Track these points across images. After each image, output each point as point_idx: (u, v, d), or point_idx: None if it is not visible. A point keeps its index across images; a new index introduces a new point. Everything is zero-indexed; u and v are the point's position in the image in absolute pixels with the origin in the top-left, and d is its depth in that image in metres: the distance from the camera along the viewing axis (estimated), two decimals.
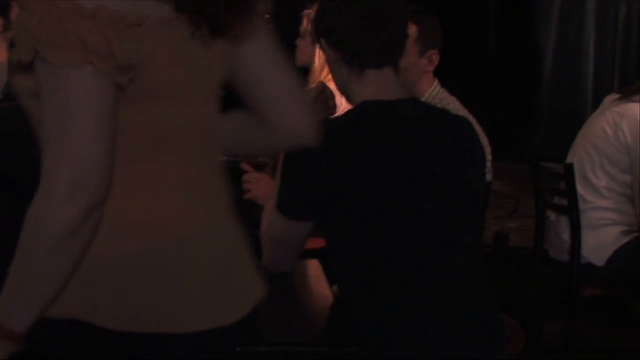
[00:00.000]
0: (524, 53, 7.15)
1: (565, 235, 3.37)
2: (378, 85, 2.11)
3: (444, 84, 3.18)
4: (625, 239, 3.33)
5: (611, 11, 7.01)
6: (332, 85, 3.35)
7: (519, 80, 7.17)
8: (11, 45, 1.47)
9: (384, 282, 2.02)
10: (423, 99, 3.12)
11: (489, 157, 3.10)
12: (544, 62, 7.13)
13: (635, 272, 3.27)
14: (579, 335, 3.41)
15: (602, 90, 7.08)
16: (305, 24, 3.61)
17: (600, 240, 3.33)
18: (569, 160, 3.46)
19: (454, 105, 3.13)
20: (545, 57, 7.11)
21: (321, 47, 2.17)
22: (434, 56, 3.09)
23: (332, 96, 3.49)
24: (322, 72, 3.49)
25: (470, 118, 3.08)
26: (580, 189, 3.34)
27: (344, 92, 2.18)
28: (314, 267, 2.67)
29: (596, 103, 7.02)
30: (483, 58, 6.98)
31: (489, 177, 3.08)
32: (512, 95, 7.20)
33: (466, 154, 2.13)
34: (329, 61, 2.16)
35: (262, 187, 2.54)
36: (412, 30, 2.96)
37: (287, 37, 2.31)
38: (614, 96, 3.47)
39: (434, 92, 3.14)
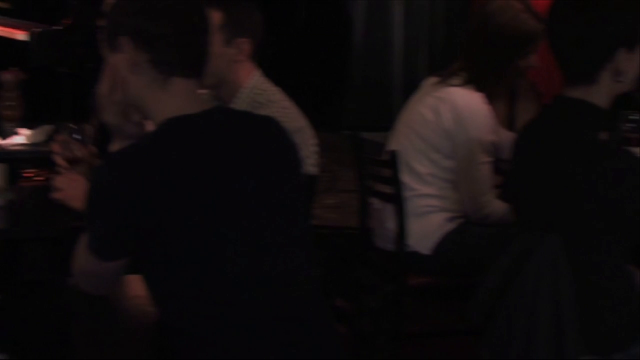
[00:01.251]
0: (334, 23, 7.09)
1: (390, 223, 3.30)
2: (184, 95, 1.98)
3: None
4: (450, 226, 3.29)
5: None
6: None
7: (330, 50, 7.11)
8: None
9: (206, 304, 1.91)
10: (244, 91, 2.96)
11: (313, 148, 2.98)
12: (354, 32, 7.09)
13: (461, 258, 3.24)
14: (407, 322, 3.38)
15: (411, 59, 7.12)
16: None
17: (425, 227, 3.28)
18: (391, 146, 3.39)
19: (277, 97, 2.99)
20: (355, 26, 7.07)
21: (115, 47, 1.98)
22: (244, 45, 2.93)
23: None
24: None
25: (291, 110, 2.97)
26: (404, 176, 3.28)
27: (139, 101, 2.00)
28: (135, 284, 2.47)
29: (406, 71, 7.11)
30: (292, 30, 6.86)
31: (314, 170, 2.97)
32: (323, 66, 7.14)
33: (278, 157, 2.03)
34: (126, 64, 1.97)
35: (74, 187, 2.29)
36: (217, 17, 2.80)
37: None
38: (432, 79, 3.41)
39: (254, 83, 2.98)
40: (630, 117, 3.36)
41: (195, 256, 1.89)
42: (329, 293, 2.41)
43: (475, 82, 3.29)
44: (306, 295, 2.02)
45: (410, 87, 7.00)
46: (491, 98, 3.33)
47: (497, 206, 3.26)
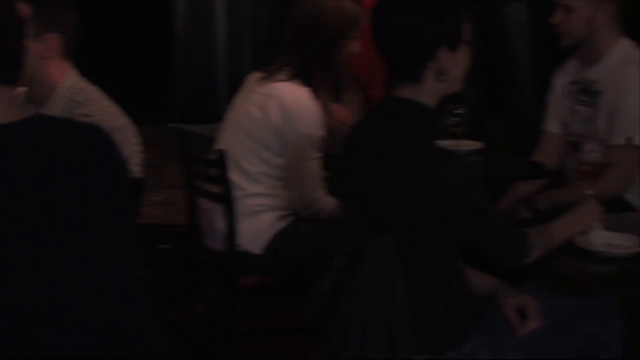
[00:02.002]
0: (156, 17, 6.95)
1: (220, 223, 3.23)
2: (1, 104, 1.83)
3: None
4: (281, 224, 3.25)
5: None
6: None
7: (152, 44, 6.98)
8: None
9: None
10: (60, 90, 2.83)
11: (136, 147, 2.89)
12: (176, 25, 6.97)
13: (293, 256, 3.21)
14: (241, 322, 3.32)
15: (235, 51, 7.06)
16: None
17: (256, 227, 3.23)
18: (219, 145, 3.32)
19: (96, 95, 2.88)
20: (178, 19, 6.95)
21: None
22: (54, 40, 2.80)
23: None
24: None
25: (111, 108, 2.86)
26: (233, 175, 3.22)
27: None
28: None
29: (231, 64, 7.03)
30: (113, 25, 6.69)
31: (138, 169, 2.87)
32: (147, 59, 7.00)
33: (98, 169, 1.88)
34: None
35: None
36: (24, 10, 2.65)
37: None
38: (256, 75, 3.35)
39: (71, 82, 2.86)
40: (455, 111, 3.41)
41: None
42: (159, 301, 2.32)
43: (301, 75, 3.26)
44: (126, 308, 1.88)
45: (234, 79, 6.98)
46: (317, 91, 3.31)
47: (328, 202, 3.24)
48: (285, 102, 3.21)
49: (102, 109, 2.81)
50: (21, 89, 2.48)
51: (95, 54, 6.81)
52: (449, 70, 2.39)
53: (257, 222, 3.23)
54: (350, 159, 2.49)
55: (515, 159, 3.77)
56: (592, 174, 2.69)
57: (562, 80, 3.60)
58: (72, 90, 2.85)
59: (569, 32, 3.42)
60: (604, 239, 2.57)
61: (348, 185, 2.51)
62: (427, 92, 2.39)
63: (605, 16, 3.41)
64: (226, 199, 3.17)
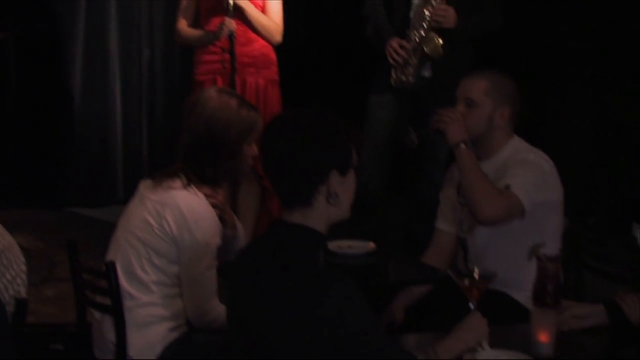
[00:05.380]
0: (51, 97, 6.85)
1: (111, 335, 3.16)
2: None
3: None
4: (173, 335, 3.19)
5: (134, 54, 6.94)
6: None
7: (48, 126, 6.87)
8: None
9: None
10: None
11: (22, 266, 2.82)
12: (71, 105, 6.87)
13: None
14: None
15: (131, 133, 7.00)
16: None
17: (147, 339, 3.16)
18: (110, 254, 3.25)
19: None
20: (73, 99, 6.86)
21: None
22: None
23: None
24: None
25: None
26: (126, 284, 3.16)
27: None
28: None
29: (126, 146, 6.96)
30: (5, 109, 6.58)
31: (23, 290, 2.80)
32: (42, 140, 6.89)
33: None
34: None
35: None
36: None
37: None
38: (148, 182, 3.31)
39: None
40: None
41: None
42: None
43: (199, 181, 3.24)
44: None
45: (130, 161, 6.92)
46: (215, 189, 3.29)
47: (222, 311, 3.19)
48: (182, 210, 3.18)
49: None
50: None
51: None
52: (340, 194, 2.40)
53: (149, 334, 3.17)
54: (238, 283, 2.47)
55: (407, 261, 3.79)
56: (473, 291, 2.72)
57: (453, 175, 3.65)
58: None
59: (468, 127, 3.47)
60: (491, 358, 2.58)
61: (235, 309, 2.48)
62: (318, 216, 2.40)
63: (504, 117, 3.49)
64: (116, 311, 3.10)
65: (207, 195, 3.25)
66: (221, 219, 3.29)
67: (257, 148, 3.29)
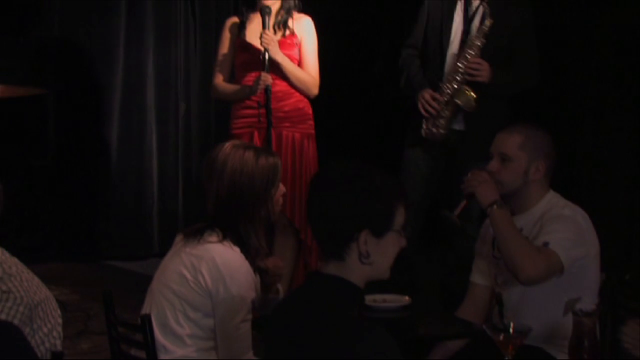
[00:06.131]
0: (88, 151, 6.92)
1: None
2: None
3: None
4: None
5: (171, 107, 7.01)
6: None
7: (85, 179, 6.92)
8: None
9: None
10: None
11: (58, 319, 2.84)
12: (109, 159, 6.93)
13: None
14: None
15: (167, 186, 7.04)
16: None
17: None
18: (146, 307, 3.27)
19: (14, 270, 2.82)
20: (110, 153, 6.92)
21: None
22: None
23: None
24: None
25: (29, 283, 2.81)
26: (161, 338, 3.17)
27: None
28: None
29: (162, 200, 7.00)
30: (44, 162, 6.65)
31: (59, 343, 2.82)
32: (79, 193, 6.94)
33: None
34: None
35: None
36: None
37: None
38: (184, 235, 3.33)
39: None
40: None
41: None
42: None
43: (232, 235, 3.25)
44: None
45: (166, 217, 6.96)
46: (251, 243, 3.30)
47: None
48: (217, 263, 3.19)
49: (22, 284, 2.76)
50: None
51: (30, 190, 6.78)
52: (372, 254, 2.40)
53: None
54: (275, 335, 2.47)
55: (442, 315, 3.77)
56: (509, 346, 2.71)
57: (487, 230, 3.64)
58: None
59: (503, 182, 3.48)
60: None
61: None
62: (351, 271, 2.40)
63: (540, 171, 3.49)
64: None
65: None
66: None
67: (284, 187, 3.33)
